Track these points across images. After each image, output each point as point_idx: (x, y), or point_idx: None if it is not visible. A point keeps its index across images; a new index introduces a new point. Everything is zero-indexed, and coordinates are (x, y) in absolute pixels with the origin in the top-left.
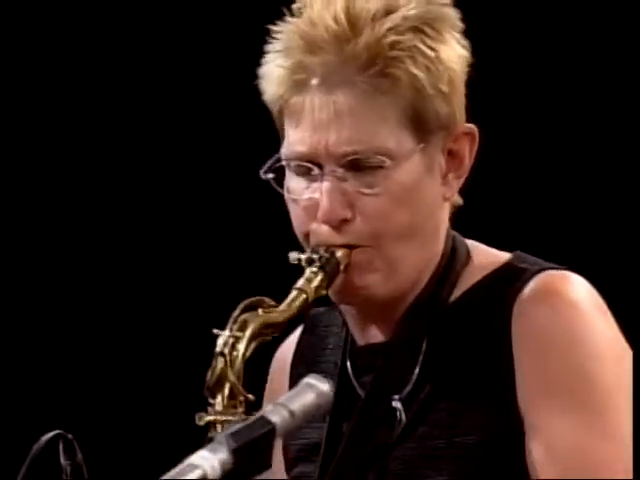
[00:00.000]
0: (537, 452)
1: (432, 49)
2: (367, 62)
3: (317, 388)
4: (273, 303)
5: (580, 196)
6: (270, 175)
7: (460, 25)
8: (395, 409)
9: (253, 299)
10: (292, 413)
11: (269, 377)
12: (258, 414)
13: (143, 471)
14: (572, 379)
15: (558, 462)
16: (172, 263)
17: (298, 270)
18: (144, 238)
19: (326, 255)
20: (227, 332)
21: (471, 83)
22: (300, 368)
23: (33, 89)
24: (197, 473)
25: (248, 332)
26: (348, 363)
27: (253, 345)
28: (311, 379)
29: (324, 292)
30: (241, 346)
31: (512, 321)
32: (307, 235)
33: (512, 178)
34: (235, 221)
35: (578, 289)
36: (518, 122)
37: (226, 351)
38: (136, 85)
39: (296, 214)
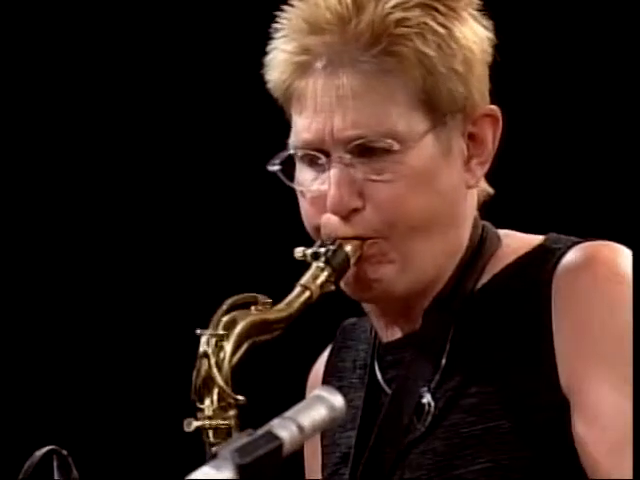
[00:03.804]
0: (583, 419)
1: (444, 26)
2: (371, 41)
3: (328, 401)
4: (269, 301)
5: (618, 180)
6: (277, 167)
7: (478, 3)
8: (424, 401)
9: (243, 296)
10: (301, 428)
11: (307, 392)
12: (264, 428)
13: None
14: (612, 347)
15: (605, 427)
16: (167, 262)
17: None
18: (137, 237)
19: (332, 248)
20: (210, 331)
21: (497, 66)
22: (331, 379)
23: (33, 89)
24: None
25: (236, 331)
26: (375, 363)
27: (245, 346)
28: (322, 391)
29: (332, 288)
30: (228, 346)
31: (552, 296)
32: (318, 229)
33: (546, 165)
34: (237, 215)
35: (618, 256)
36: (549, 106)
37: (209, 351)
38: (140, 73)
39: (305, 207)
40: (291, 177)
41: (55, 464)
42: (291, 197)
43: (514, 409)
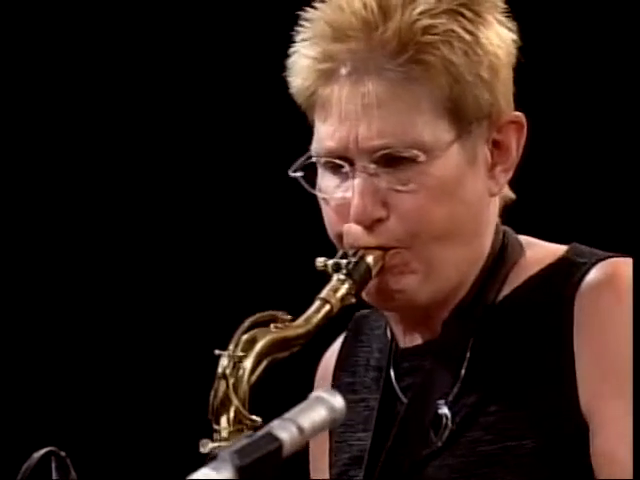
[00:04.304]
0: (604, 437)
1: (470, 33)
2: (398, 48)
3: (328, 402)
4: (288, 317)
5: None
6: (299, 173)
7: (502, 6)
8: (441, 414)
9: (263, 314)
10: (301, 429)
11: (315, 385)
12: (264, 429)
13: None
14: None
15: (626, 446)
16: (178, 270)
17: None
18: (156, 253)
19: (354, 260)
20: (229, 352)
21: (520, 68)
22: (343, 374)
23: (33, 89)
24: None
25: (255, 350)
26: (391, 369)
27: (263, 365)
28: (321, 392)
29: (353, 301)
30: (247, 366)
31: (574, 313)
32: (340, 237)
33: (566, 169)
34: (252, 223)
35: None
36: (571, 110)
37: (228, 372)
38: (160, 79)
39: (328, 214)
40: (313, 183)
41: (53, 465)
42: (310, 206)
43: (533, 430)
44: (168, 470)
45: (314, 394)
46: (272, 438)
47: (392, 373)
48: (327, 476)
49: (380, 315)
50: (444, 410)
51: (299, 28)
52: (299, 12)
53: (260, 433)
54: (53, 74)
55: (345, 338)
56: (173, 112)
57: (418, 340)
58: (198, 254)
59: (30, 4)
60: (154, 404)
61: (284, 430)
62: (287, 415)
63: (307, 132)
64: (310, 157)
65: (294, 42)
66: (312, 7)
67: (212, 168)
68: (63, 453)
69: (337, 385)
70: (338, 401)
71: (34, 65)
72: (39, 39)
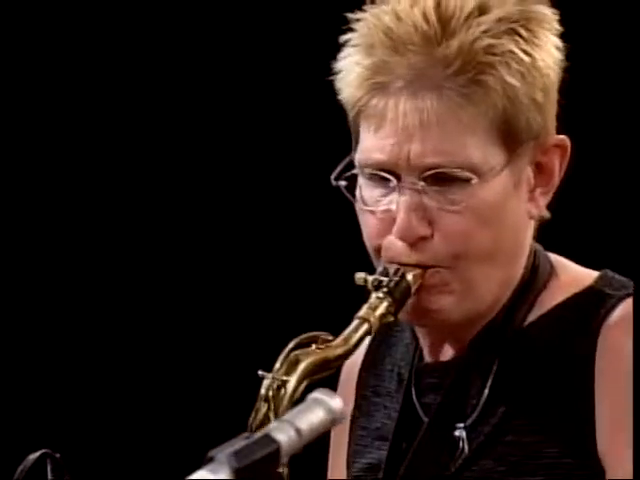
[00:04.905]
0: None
1: (528, 54)
2: (460, 67)
3: (326, 404)
4: (330, 338)
5: None
6: (342, 182)
7: (557, 27)
8: (458, 438)
9: (306, 335)
10: (299, 431)
11: (339, 385)
12: (262, 431)
13: None
14: None
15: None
16: (216, 290)
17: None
18: (206, 276)
19: (396, 279)
20: (272, 374)
21: (564, 90)
22: (368, 376)
23: (34, 89)
24: None
25: (297, 373)
26: (413, 382)
27: (303, 385)
28: (319, 394)
29: (391, 319)
30: (289, 388)
31: (597, 351)
32: (379, 249)
33: (600, 190)
34: (288, 236)
35: None
36: (608, 131)
37: (270, 395)
38: (167, 79)
39: (368, 225)
40: (353, 193)
41: (48, 467)
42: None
43: (548, 468)
44: (164, 472)
45: (312, 396)
46: (270, 440)
47: (413, 388)
48: (344, 471)
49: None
50: (462, 434)
51: (350, 33)
52: (347, 14)
53: (258, 435)
54: (53, 74)
55: (372, 341)
56: (188, 127)
57: (443, 356)
58: (243, 273)
59: (30, 4)
60: (149, 406)
61: (282, 432)
62: (285, 417)
63: (345, 137)
64: (352, 166)
65: (341, 44)
66: (362, 10)
67: (244, 182)
68: (58, 455)
69: (362, 386)
70: (336, 402)
71: (34, 65)
72: (39, 39)
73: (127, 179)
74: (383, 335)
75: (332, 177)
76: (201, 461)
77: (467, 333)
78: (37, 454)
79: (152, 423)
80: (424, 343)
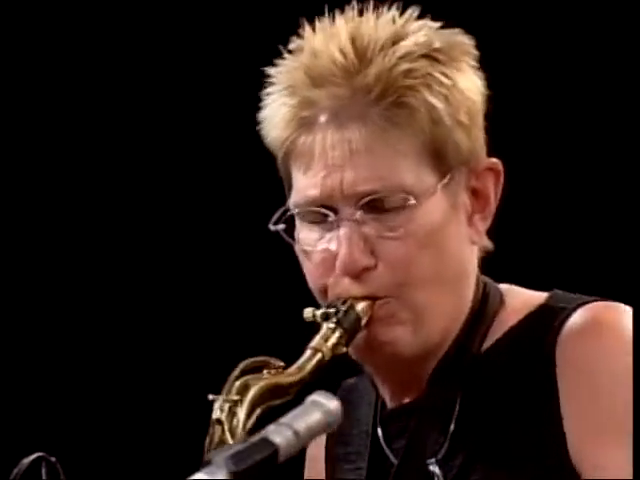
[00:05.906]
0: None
1: (447, 77)
2: (380, 93)
3: (324, 406)
4: (281, 364)
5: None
6: (280, 226)
7: (475, 53)
8: (432, 474)
9: (255, 360)
10: (297, 433)
11: (306, 465)
12: (260, 434)
13: None
14: (621, 413)
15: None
16: (171, 319)
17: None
18: (150, 297)
19: (344, 309)
20: (223, 396)
21: (490, 116)
22: (336, 446)
23: (33, 89)
24: None
25: (249, 397)
26: (379, 429)
27: (257, 412)
28: (317, 396)
29: (344, 350)
30: (241, 412)
31: (557, 363)
32: (324, 289)
33: (540, 216)
34: (240, 275)
35: (623, 319)
36: (541, 156)
37: (223, 417)
38: (163, 81)
39: (310, 267)
40: (293, 236)
41: (43, 471)
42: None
43: None
44: (159, 477)
45: (310, 398)
46: (267, 443)
47: (380, 434)
48: None
49: (367, 380)
50: (435, 469)
51: (271, 79)
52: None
53: (255, 438)
54: (53, 74)
55: None
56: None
57: (405, 398)
58: (189, 302)
59: (30, 4)
60: (143, 413)
61: (279, 435)
62: (283, 420)
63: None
64: (288, 210)
65: (263, 95)
66: (281, 58)
67: (204, 222)
68: (53, 458)
69: (332, 457)
70: (334, 404)
71: (34, 65)
72: (39, 39)
73: (113, 183)
74: (344, 403)
75: (270, 224)
76: (197, 465)
77: (423, 370)
78: (32, 457)
79: (146, 428)
80: (384, 391)
